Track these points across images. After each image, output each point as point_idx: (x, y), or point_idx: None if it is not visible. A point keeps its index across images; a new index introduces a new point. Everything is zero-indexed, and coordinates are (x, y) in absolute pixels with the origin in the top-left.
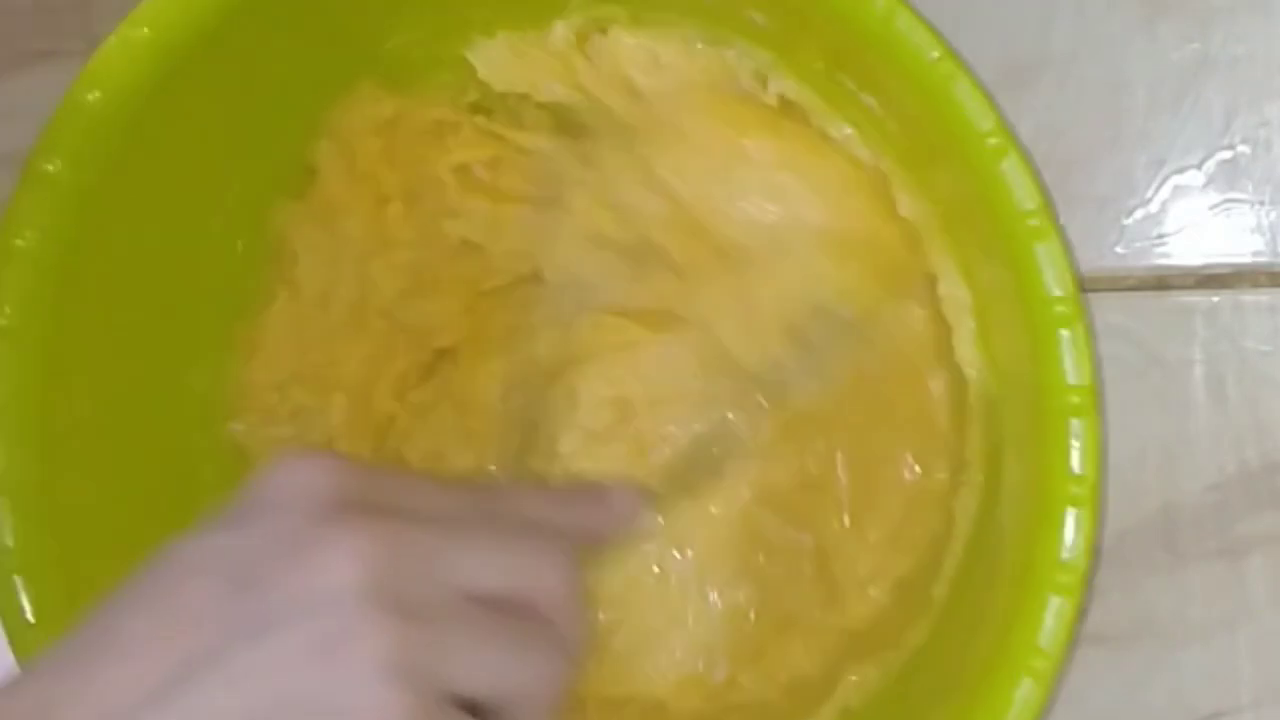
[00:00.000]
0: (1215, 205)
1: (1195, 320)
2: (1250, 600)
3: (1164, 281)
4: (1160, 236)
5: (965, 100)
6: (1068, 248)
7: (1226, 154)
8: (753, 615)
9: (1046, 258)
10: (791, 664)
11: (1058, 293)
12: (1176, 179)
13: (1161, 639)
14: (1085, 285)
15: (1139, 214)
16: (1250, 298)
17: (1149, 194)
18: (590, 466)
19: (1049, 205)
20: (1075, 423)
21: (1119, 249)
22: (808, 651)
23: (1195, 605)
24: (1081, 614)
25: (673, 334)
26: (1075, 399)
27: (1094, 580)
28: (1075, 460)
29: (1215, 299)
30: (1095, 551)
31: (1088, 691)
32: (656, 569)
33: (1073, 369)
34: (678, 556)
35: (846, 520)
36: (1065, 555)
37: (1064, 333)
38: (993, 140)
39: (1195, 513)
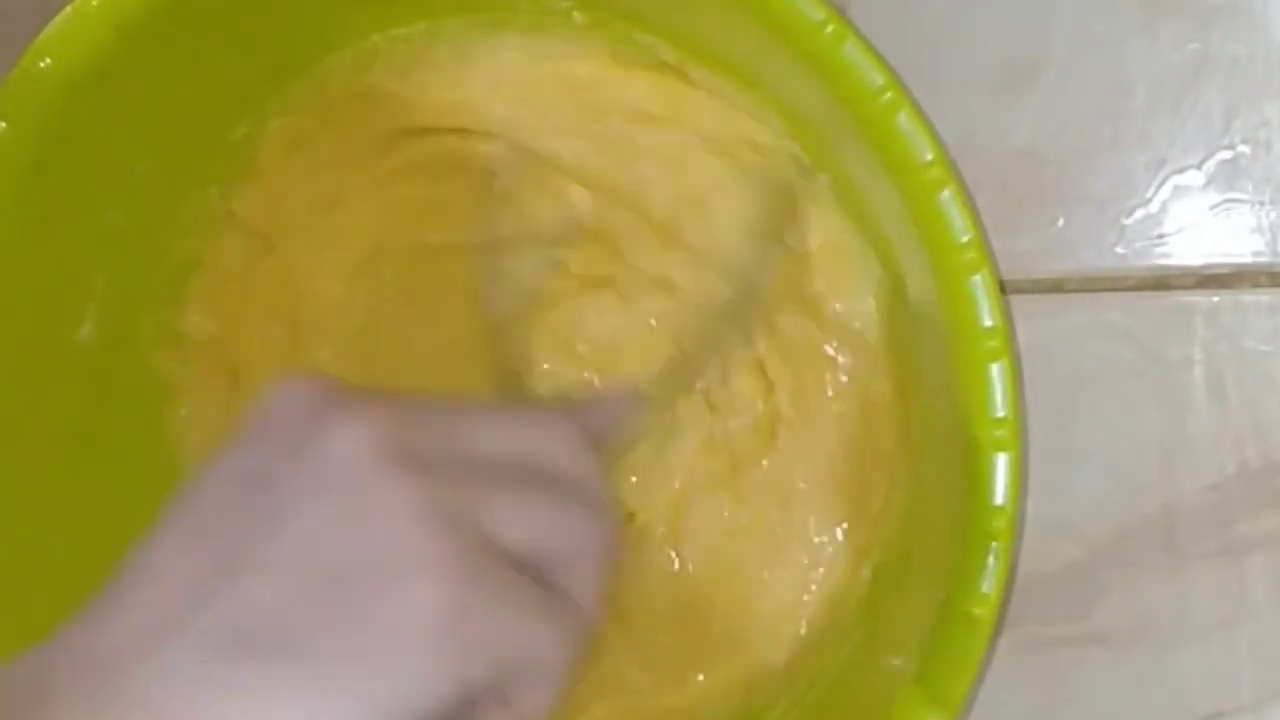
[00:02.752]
0: (1215, 205)
1: (1195, 320)
2: (1250, 600)
3: (1164, 281)
4: (1160, 236)
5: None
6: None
7: (1226, 154)
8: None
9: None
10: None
11: (964, 239)
12: (1176, 179)
13: (1161, 639)
14: (1085, 285)
15: (1139, 214)
16: (1250, 298)
17: (1149, 194)
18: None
19: (944, 156)
20: (994, 367)
21: (1119, 249)
22: None
23: (1195, 605)
24: (1014, 560)
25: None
26: (992, 343)
27: (1093, 579)
28: (996, 403)
29: (1215, 299)
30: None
31: (1088, 691)
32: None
33: (987, 315)
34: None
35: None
36: (997, 501)
37: (975, 278)
38: (887, 96)
39: (1195, 513)
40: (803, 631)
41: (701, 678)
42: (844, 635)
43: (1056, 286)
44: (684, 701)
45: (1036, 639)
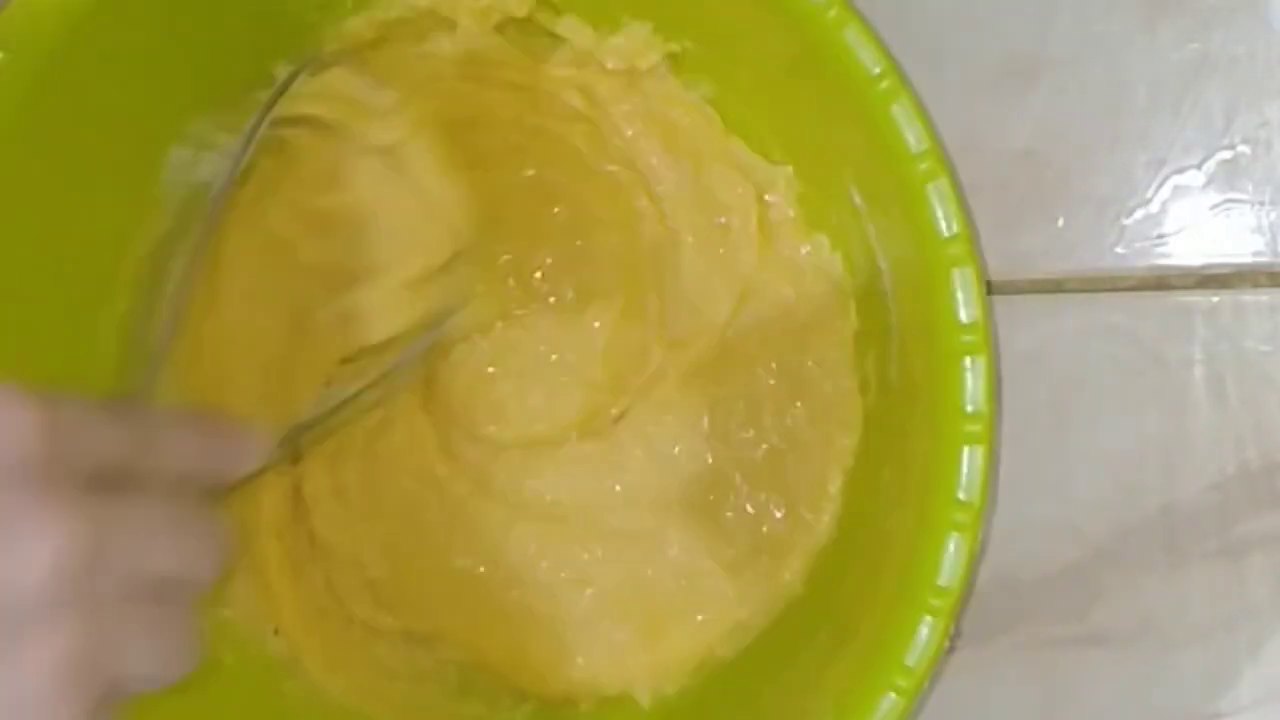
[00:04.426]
0: (1215, 205)
1: (1195, 320)
2: (1250, 600)
3: (1164, 281)
4: (1160, 236)
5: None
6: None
7: (1226, 154)
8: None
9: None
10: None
11: (948, 233)
12: (1176, 179)
13: (1161, 639)
14: (1085, 285)
15: (1139, 214)
16: (1250, 298)
17: (1149, 194)
18: None
19: (939, 148)
20: (968, 360)
21: (1119, 249)
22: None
23: (1195, 605)
24: (979, 555)
25: None
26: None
27: (1093, 579)
28: (969, 398)
29: (1215, 299)
30: (992, 495)
31: (1088, 691)
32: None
33: (964, 310)
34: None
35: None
36: (962, 494)
37: (956, 273)
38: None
39: (1195, 513)
40: None
41: None
42: None
43: (1056, 286)
44: None
45: (1036, 639)
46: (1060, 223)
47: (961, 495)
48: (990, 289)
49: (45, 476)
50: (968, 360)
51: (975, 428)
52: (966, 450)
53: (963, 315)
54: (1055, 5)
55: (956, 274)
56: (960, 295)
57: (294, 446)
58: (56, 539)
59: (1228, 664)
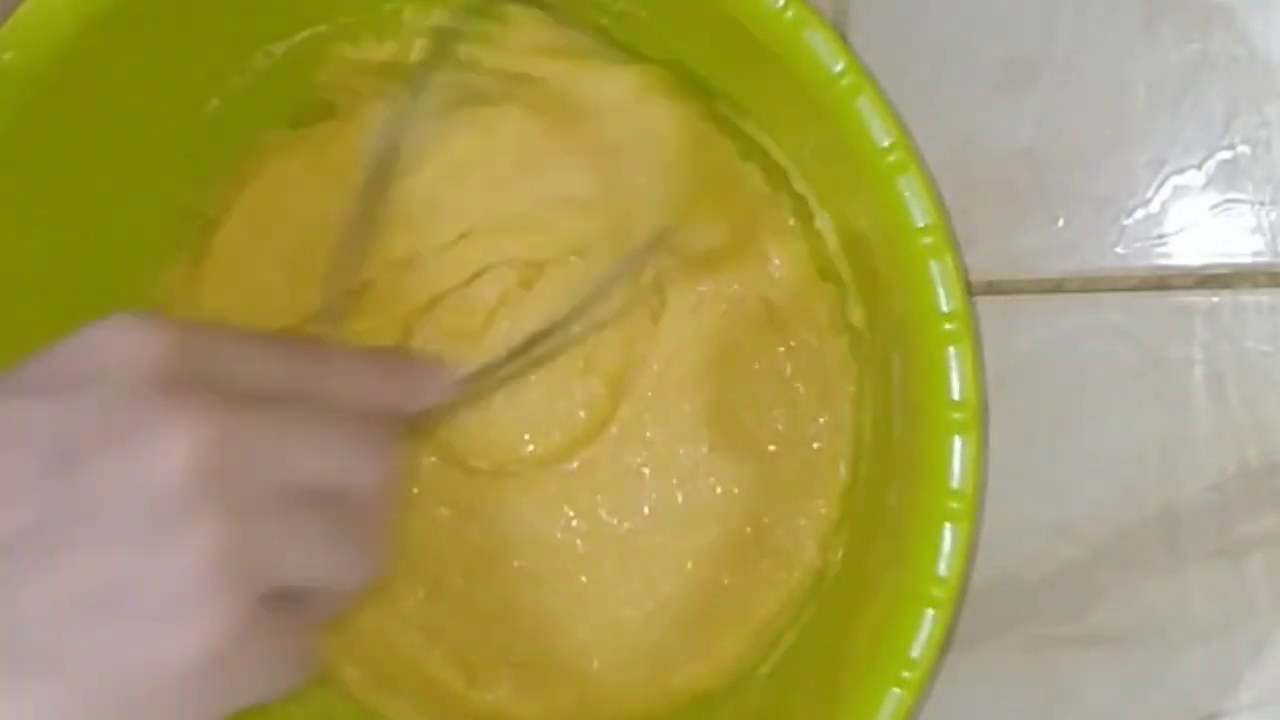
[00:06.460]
0: (1215, 205)
1: (1195, 320)
2: (1250, 600)
3: (1164, 281)
4: (1160, 236)
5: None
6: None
7: (1226, 154)
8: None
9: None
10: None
11: (922, 223)
12: (1176, 179)
13: (1161, 639)
14: (1085, 285)
15: (1139, 214)
16: (1250, 298)
17: (1149, 194)
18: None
19: (907, 140)
20: (951, 350)
21: (1119, 249)
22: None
23: (1195, 605)
24: (973, 542)
25: None
26: (950, 325)
27: (1093, 579)
28: (955, 386)
29: (1215, 299)
30: (982, 487)
31: (1088, 691)
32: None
33: (945, 300)
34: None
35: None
36: (954, 484)
37: (934, 265)
38: (846, 81)
39: (1195, 513)
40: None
41: None
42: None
43: (1056, 286)
44: None
45: (1036, 639)
46: (1060, 223)
47: (953, 484)
48: (990, 288)
49: (172, 387)
50: (950, 349)
51: (961, 415)
52: (955, 439)
53: (943, 305)
54: (1055, 5)
55: (934, 265)
56: (939, 286)
57: (477, 388)
58: (184, 441)
59: (1228, 664)
